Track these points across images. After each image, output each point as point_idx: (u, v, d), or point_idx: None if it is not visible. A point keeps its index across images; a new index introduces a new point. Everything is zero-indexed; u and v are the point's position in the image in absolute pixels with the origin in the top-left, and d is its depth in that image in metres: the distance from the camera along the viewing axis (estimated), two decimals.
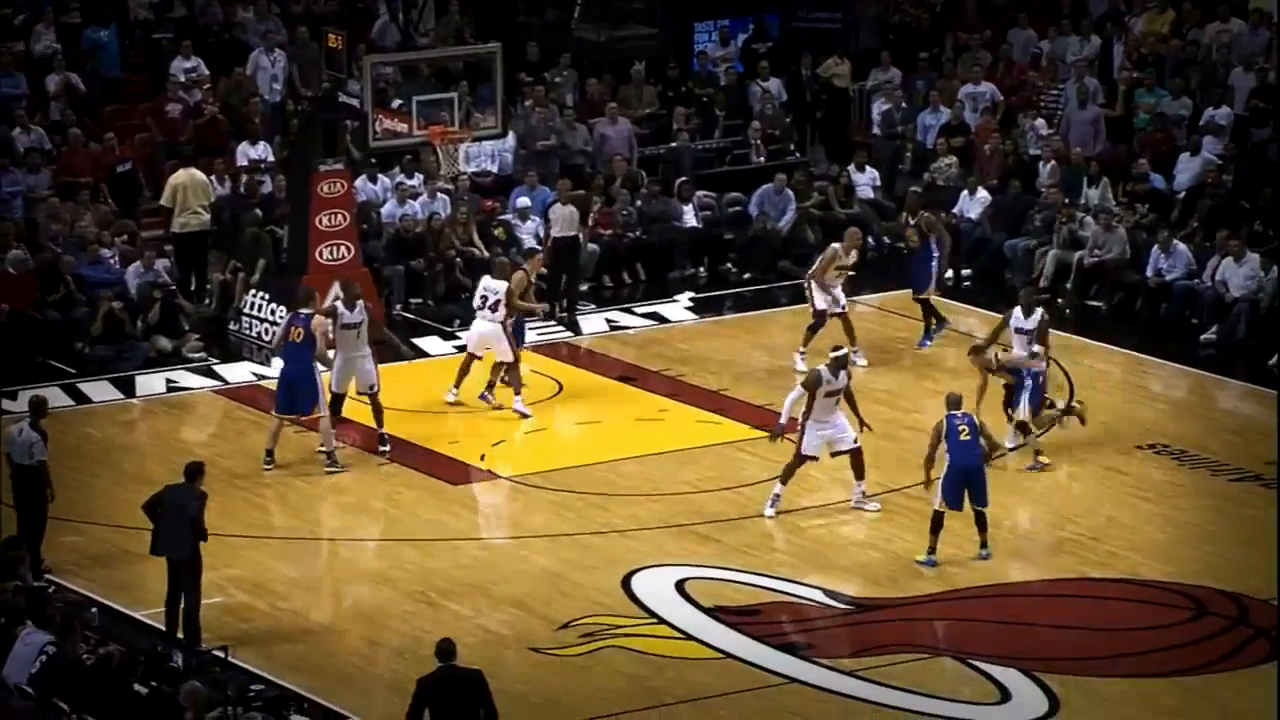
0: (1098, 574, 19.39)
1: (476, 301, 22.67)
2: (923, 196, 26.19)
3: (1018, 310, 21.86)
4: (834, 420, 20.19)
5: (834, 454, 20.37)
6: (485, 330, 22.48)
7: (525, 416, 22.41)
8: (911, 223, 24.64)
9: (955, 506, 19.29)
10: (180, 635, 17.66)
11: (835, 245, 23.91)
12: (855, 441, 20.23)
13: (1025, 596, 19.07)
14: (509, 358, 22.47)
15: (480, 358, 22.71)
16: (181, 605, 17.74)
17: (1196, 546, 19.99)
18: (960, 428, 19.35)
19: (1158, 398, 23.95)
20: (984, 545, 19.43)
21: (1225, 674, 17.75)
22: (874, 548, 19.86)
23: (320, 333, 21.11)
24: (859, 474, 20.35)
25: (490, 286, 22.54)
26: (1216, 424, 22.95)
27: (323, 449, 21.29)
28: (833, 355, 20.29)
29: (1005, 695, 17.45)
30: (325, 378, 21.41)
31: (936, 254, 24.37)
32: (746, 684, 17.55)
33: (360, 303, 21.72)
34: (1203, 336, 24.96)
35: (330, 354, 21.53)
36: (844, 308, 23.66)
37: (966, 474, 19.26)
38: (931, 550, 19.31)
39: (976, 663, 17.85)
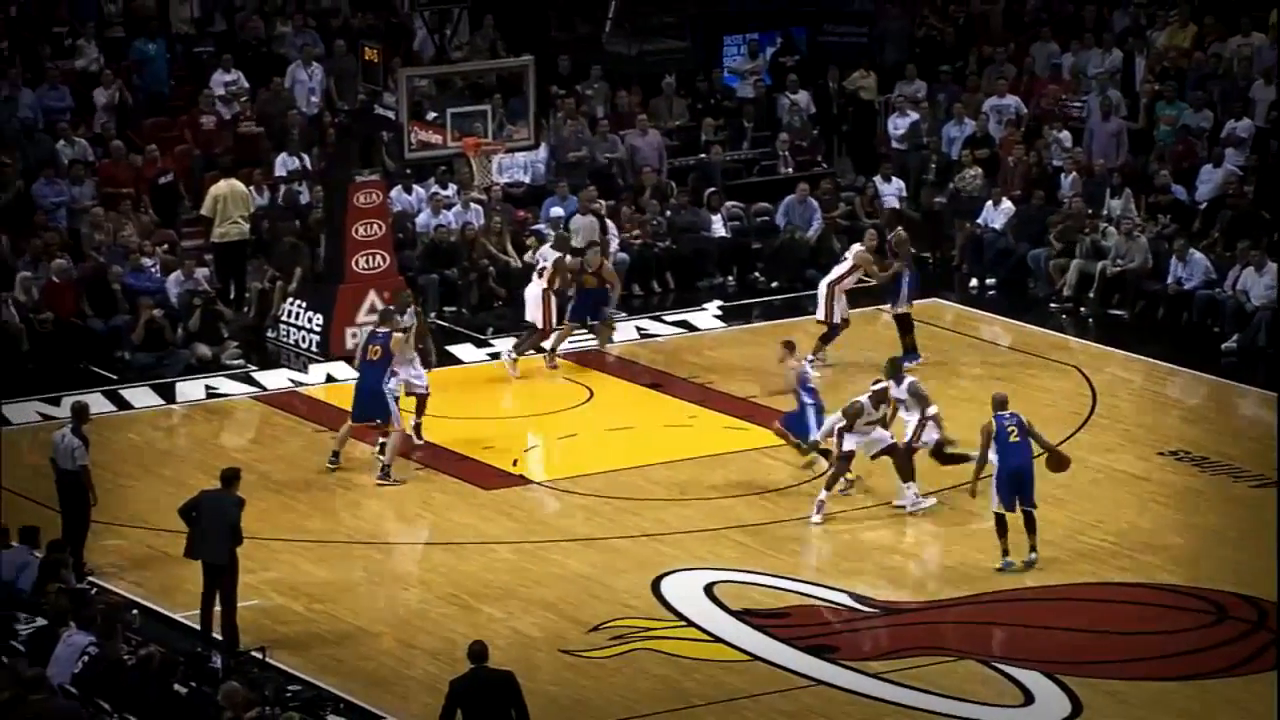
0: (1119, 578, 19.32)
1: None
2: (899, 215, 25.98)
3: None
4: (871, 431, 20.21)
5: (873, 456, 20.31)
6: (531, 293, 23.94)
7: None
8: (889, 237, 24.35)
9: (1011, 508, 19.18)
10: (216, 636, 17.69)
11: (860, 248, 23.81)
12: (892, 438, 20.16)
13: (1048, 601, 19.01)
14: (536, 321, 23.78)
15: (539, 327, 23.88)
16: (218, 609, 17.76)
17: (1217, 552, 19.92)
18: (1009, 429, 19.27)
19: (1179, 405, 23.88)
20: (1033, 549, 19.28)
21: (1245, 677, 17.68)
22: (899, 552, 19.82)
23: (398, 352, 21.21)
24: (905, 475, 20.15)
25: (544, 253, 24.22)
26: (1237, 431, 22.87)
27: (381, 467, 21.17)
28: (874, 388, 20.25)
29: (1028, 697, 17.40)
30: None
31: (909, 272, 24.09)
32: (774, 686, 17.52)
33: (411, 308, 22.19)
34: (1224, 345, 24.88)
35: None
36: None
37: (1018, 475, 19.15)
38: (1006, 553, 19.19)
39: (1000, 665, 17.80)
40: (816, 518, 20.18)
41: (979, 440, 19.44)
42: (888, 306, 24.23)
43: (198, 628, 17.93)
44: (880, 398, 20.22)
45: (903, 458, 20.22)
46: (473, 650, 15.21)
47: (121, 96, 27.48)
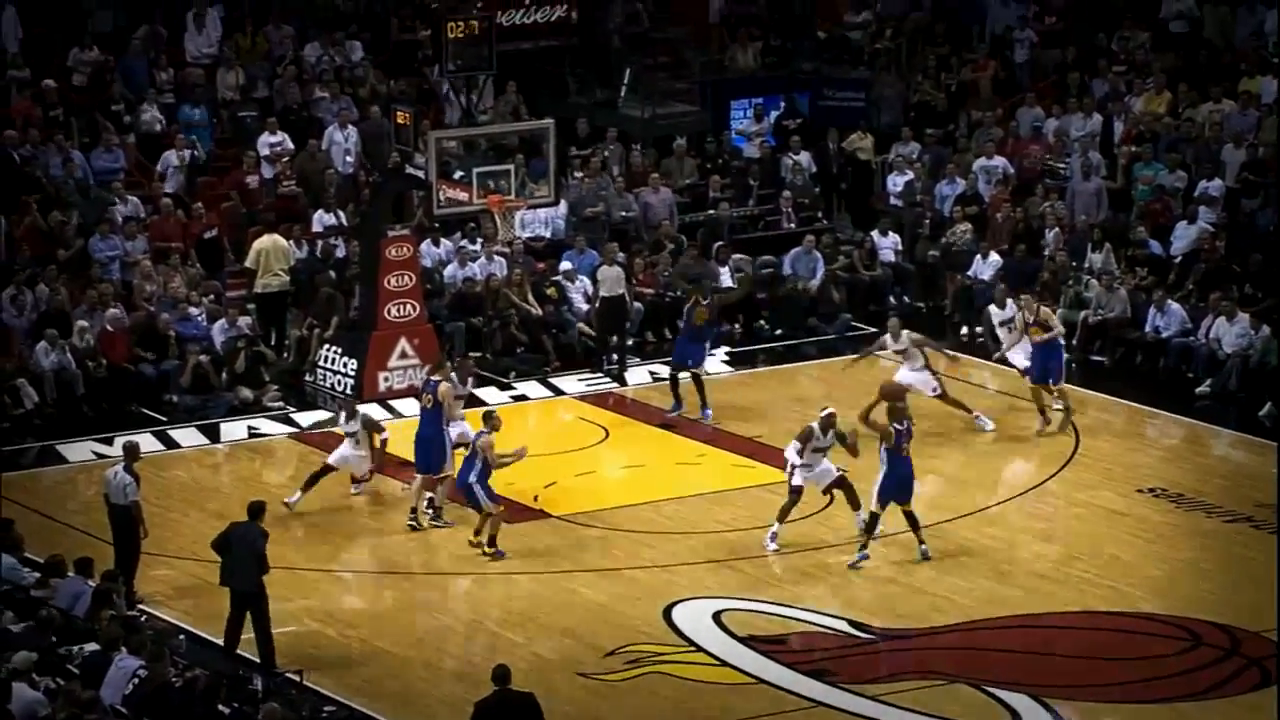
0: (1102, 607, 19.30)
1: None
2: (697, 276, 25.49)
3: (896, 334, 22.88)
4: (817, 465, 20.26)
5: (824, 491, 20.38)
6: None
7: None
8: (704, 302, 23.81)
9: (884, 507, 19.81)
10: (248, 656, 17.68)
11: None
12: (838, 471, 20.23)
13: (1035, 628, 18.98)
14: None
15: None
16: (247, 635, 17.79)
17: (1192, 583, 19.89)
18: (904, 442, 19.69)
19: (1156, 445, 23.85)
20: (922, 541, 19.85)
21: (1220, 700, 17.64)
22: (895, 581, 19.79)
23: (448, 399, 21.03)
24: (855, 504, 20.27)
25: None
26: (1210, 470, 22.84)
27: (430, 506, 20.95)
28: (823, 414, 20.31)
29: (1016, 719, 17.36)
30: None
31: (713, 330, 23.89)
32: (777, 708, 17.50)
33: (471, 379, 22.44)
34: (1198, 389, 24.87)
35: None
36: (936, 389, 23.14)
37: (907, 481, 19.75)
38: (864, 547, 19.76)
39: (990, 689, 17.76)
40: (772, 545, 20.25)
41: (876, 440, 19.83)
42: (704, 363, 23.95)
43: (243, 654, 17.91)
44: (829, 423, 20.22)
45: (850, 489, 20.23)
46: (496, 673, 15.19)
47: (194, 157, 27.62)
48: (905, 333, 23.26)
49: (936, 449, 22.71)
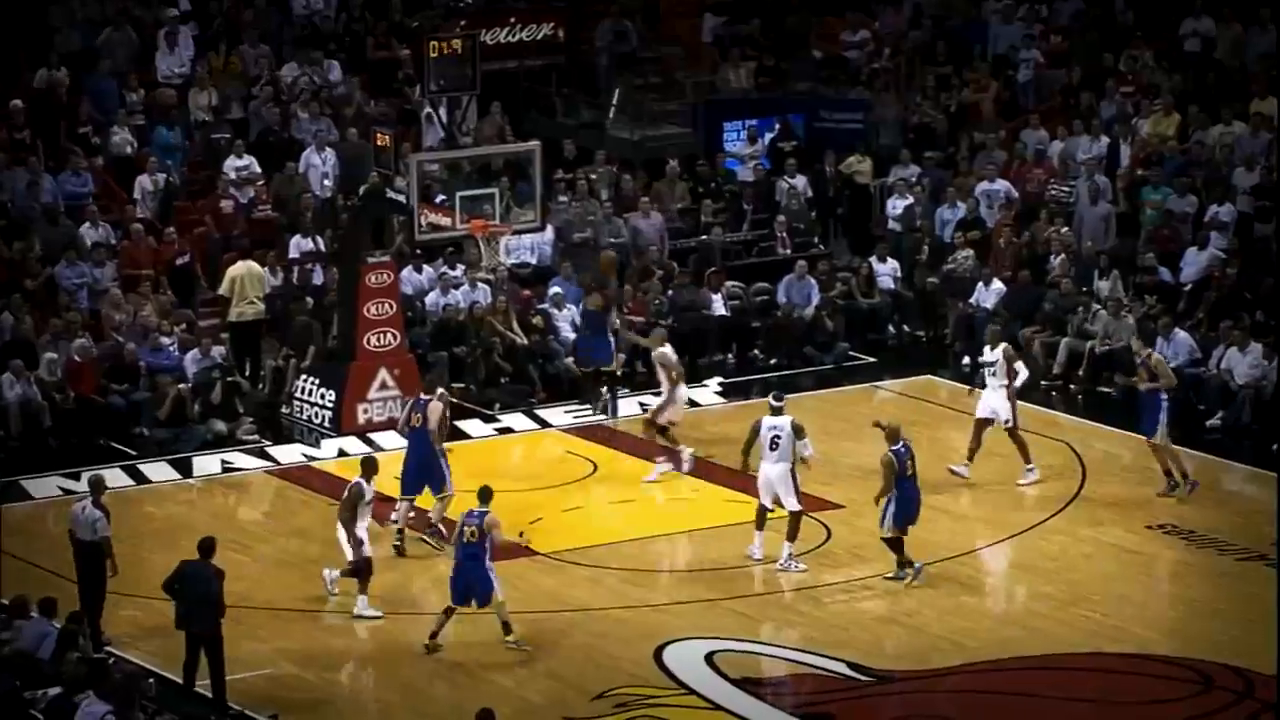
0: (1110, 649, 19.25)
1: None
2: (603, 281, 25.28)
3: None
4: (765, 471, 20.66)
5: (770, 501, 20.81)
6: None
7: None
8: (600, 289, 23.81)
9: (904, 531, 20.13)
10: (234, 706, 17.65)
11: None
12: (796, 506, 20.61)
13: (1041, 670, 18.93)
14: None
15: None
16: (206, 673, 17.81)
17: (1204, 623, 19.85)
18: (906, 462, 19.98)
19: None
20: (907, 565, 20.17)
21: None
22: (895, 622, 19.75)
23: (437, 417, 21.02)
24: (791, 535, 20.64)
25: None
26: (1223, 506, 22.80)
27: (431, 529, 21.15)
28: (772, 403, 20.89)
29: None
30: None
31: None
32: None
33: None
34: (1208, 422, 24.85)
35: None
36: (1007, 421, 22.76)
37: (915, 502, 20.13)
38: (903, 564, 20.11)
39: None
40: (757, 555, 20.72)
41: (881, 473, 20.01)
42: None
43: (211, 695, 17.87)
44: (778, 410, 20.72)
45: (793, 520, 20.61)
46: (480, 718, 15.12)
47: (168, 182, 27.59)
48: (1002, 345, 23.09)
49: (940, 484, 22.67)
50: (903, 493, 20.03)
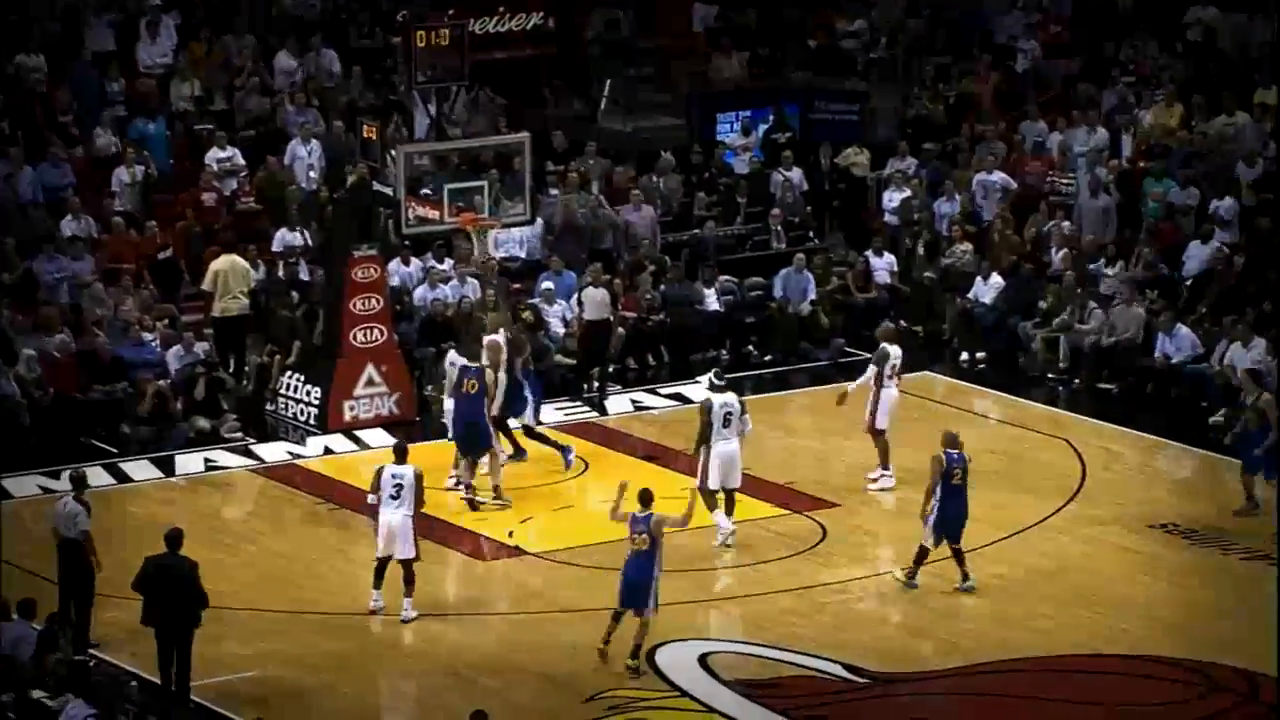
0: (1110, 650, 19.32)
1: None
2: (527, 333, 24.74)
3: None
4: (724, 450, 21.13)
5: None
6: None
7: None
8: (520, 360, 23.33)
9: (938, 544, 19.92)
10: (198, 700, 17.70)
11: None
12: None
13: (1038, 672, 18.99)
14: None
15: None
16: (175, 667, 17.88)
17: (1207, 624, 19.92)
18: (955, 470, 19.82)
19: (1168, 478, 23.90)
20: (967, 575, 20.06)
21: None
22: (890, 623, 19.81)
23: (491, 384, 22.04)
24: (729, 510, 21.04)
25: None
26: (1226, 504, 22.85)
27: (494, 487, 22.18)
28: (715, 382, 21.30)
29: None
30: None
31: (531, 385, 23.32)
32: None
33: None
34: (1211, 419, 24.92)
35: (449, 402, 22.56)
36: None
37: (961, 516, 19.88)
38: (913, 575, 20.02)
39: None
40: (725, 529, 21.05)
41: (930, 475, 19.87)
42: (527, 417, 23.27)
43: (201, 701, 17.90)
44: (719, 380, 21.29)
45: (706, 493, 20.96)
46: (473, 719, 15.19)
47: (147, 174, 27.61)
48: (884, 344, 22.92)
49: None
50: (946, 502, 19.73)
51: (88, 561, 18.91)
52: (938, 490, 19.77)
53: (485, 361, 22.47)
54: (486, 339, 22.99)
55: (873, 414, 22.47)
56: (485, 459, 22.40)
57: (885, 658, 19.07)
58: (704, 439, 21.18)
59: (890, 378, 22.54)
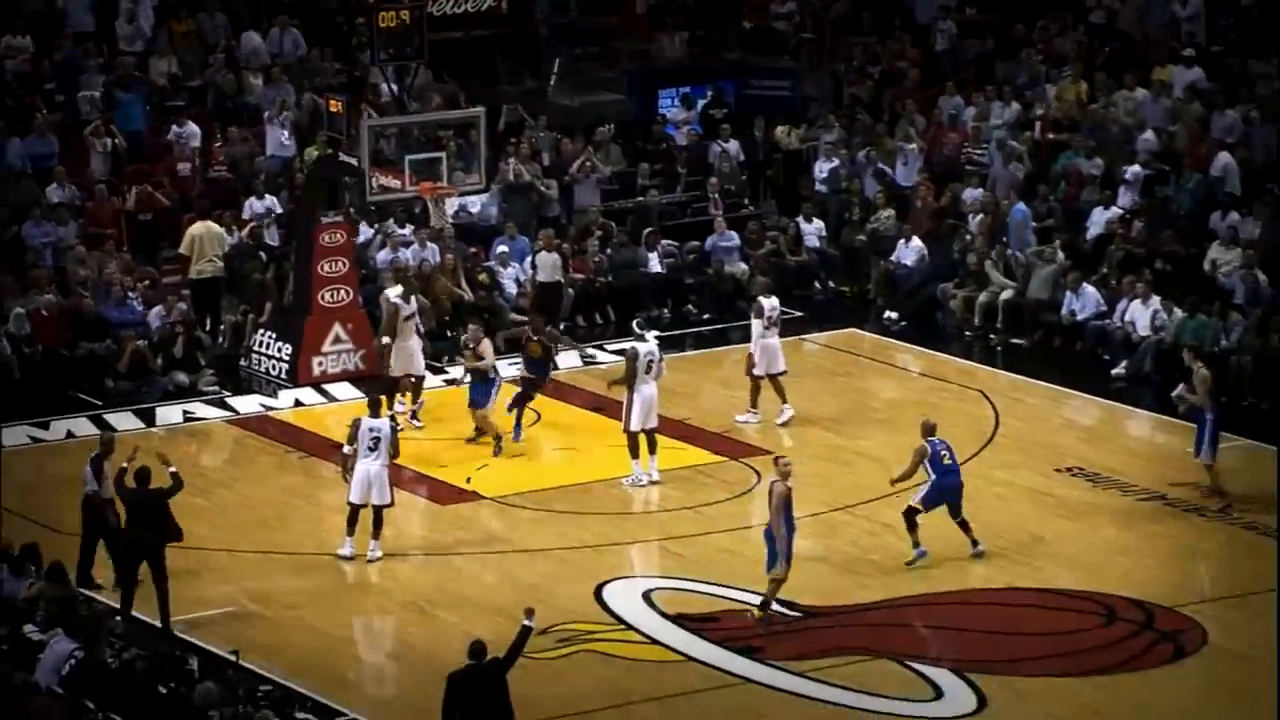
0: (1022, 584, 19.45)
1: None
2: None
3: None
4: (648, 393, 21.29)
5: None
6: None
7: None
8: (534, 338, 23.07)
9: (927, 510, 19.54)
10: (180, 635, 17.71)
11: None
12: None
13: (957, 605, 19.12)
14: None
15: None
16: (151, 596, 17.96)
17: (1108, 559, 20.07)
18: (942, 453, 19.63)
19: (1074, 426, 24.03)
20: (976, 542, 19.70)
21: (1135, 673, 17.83)
22: (823, 561, 19.89)
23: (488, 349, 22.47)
24: (652, 449, 21.26)
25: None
26: (1126, 450, 23.05)
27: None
28: (638, 330, 21.63)
29: (938, 693, 17.50)
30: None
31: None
32: (706, 684, 17.58)
33: (414, 297, 23.01)
34: (1114, 371, 25.08)
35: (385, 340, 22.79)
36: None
37: (955, 491, 19.61)
38: (917, 544, 19.50)
39: (912, 664, 17.89)
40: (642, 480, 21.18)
41: (910, 459, 19.63)
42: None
43: (184, 636, 17.87)
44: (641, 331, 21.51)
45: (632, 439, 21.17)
46: (472, 648, 15.33)
47: (115, 145, 27.40)
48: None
49: (860, 429, 22.84)
50: (942, 480, 19.54)
51: (89, 519, 18.73)
52: (931, 473, 19.55)
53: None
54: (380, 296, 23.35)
55: (750, 360, 22.71)
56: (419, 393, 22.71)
57: (814, 593, 19.15)
58: (628, 383, 21.21)
59: (768, 328, 22.63)
